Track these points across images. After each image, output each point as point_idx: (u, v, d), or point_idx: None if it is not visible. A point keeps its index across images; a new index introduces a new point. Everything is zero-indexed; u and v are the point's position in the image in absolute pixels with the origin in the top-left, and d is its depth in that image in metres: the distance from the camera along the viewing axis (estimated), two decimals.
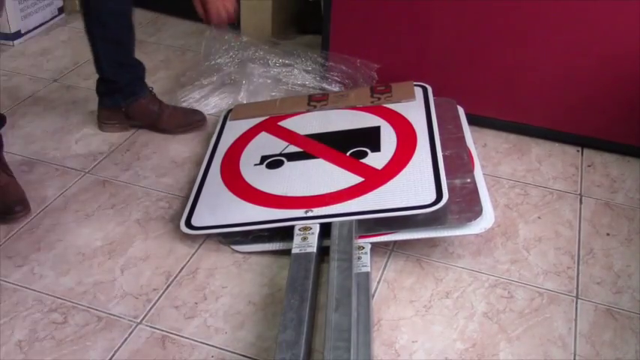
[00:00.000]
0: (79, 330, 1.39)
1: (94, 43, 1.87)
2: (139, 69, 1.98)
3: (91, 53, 1.90)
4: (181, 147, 1.97)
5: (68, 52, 2.45)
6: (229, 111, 2.05)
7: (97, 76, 1.96)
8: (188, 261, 1.57)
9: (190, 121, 2.04)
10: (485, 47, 1.97)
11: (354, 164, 1.70)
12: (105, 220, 1.68)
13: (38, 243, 1.61)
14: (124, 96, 1.96)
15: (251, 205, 1.63)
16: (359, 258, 1.50)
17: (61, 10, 2.69)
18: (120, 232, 1.65)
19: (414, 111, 1.87)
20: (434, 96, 1.94)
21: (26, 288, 1.49)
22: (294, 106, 2.00)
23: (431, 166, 1.64)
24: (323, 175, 1.68)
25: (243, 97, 2.15)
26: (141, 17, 2.75)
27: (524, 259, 1.58)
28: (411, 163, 1.67)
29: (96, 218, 1.69)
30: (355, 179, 1.65)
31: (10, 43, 2.50)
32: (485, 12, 1.92)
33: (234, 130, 1.94)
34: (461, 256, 1.58)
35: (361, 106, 1.95)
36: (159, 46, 2.54)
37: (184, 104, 2.12)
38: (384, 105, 1.92)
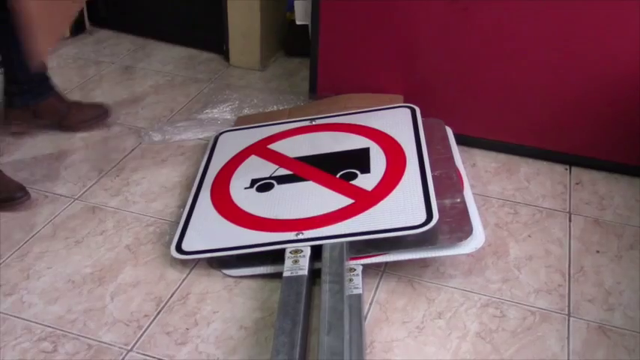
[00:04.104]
0: (69, 359, 1.37)
1: (6, 48, 1.93)
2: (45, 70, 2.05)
3: (1, 60, 1.96)
4: (171, 171, 1.96)
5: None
6: (219, 135, 2.05)
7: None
8: (179, 286, 1.55)
9: (93, 115, 2.10)
10: (472, 67, 1.98)
11: (344, 186, 1.70)
12: (94, 246, 1.67)
13: (27, 271, 1.59)
14: (33, 95, 2.02)
15: (241, 228, 1.62)
16: (350, 280, 1.50)
17: None
18: (110, 258, 1.63)
19: (402, 132, 1.88)
20: (422, 117, 1.95)
21: (15, 317, 1.47)
22: (302, 113, 2.04)
23: (420, 186, 1.64)
24: (313, 198, 1.68)
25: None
26: (129, 43, 2.76)
27: (515, 278, 1.58)
28: (400, 184, 1.67)
29: (85, 245, 1.67)
30: (345, 201, 1.64)
31: None
32: (472, 32, 1.94)
33: (224, 153, 1.94)
34: (452, 276, 1.58)
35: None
36: (147, 72, 2.55)
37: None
38: (374, 127, 1.92)
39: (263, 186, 1.76)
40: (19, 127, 2.06)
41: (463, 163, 1.90)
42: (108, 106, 2.13)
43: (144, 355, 1.38)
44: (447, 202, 1.63)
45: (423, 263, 1.61)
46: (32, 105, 2.04)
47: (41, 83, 2.03)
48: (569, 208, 1.82)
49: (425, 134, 1.86)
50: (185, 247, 1.60)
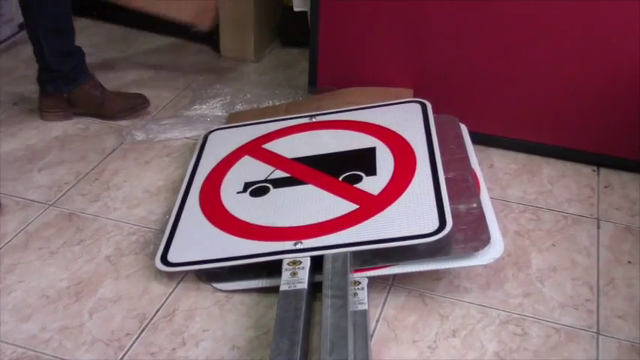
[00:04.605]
0: None
1: (36, 35, 2.03)
2: (80, 55, 2.14)
3: (32, 46, 2.06)
4: (156, 174, 1.96)
5: (30, 72, 2.45)
6: (209, 133, 2.05)
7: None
8: (164, 302, 1.55)
9: (133, 104, 2.19)
10: (490, 58, 1.98)
11: (347, 190, 1.70)
12: (71, 257, 1.67)
13: None
14: (66, 82, 2.11)
15: (234, 237, 1.62)
16: (355, 294, 1.49)
17: (21, 27, 2.69)
18: (88, 270, 1.63)
19: (412, 130, 1.88)
20: (434, 113, 1.95)
21: None
22: (301, 108, 2.05)
23: (432, 190, 1.64)
24: (313, 203, 1.68)
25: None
26: (109, 33, 2.76)
27: (538, 292, 1.58)
28: (410, 187, 1.67)
29: (61, 256, 1.67)
30: (349, 206, 1.64)
31: None
32: (491, 19, 1.94)
33: (214, 154, 1.94)
34: (468, 290, 1.58)
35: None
36: (129, 65, 2.55)
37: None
38: (380, 124, 1.93)
39: (257, 190, 1.76)
40: (53, 115, 2.17)
41: (479, 164, 1.90)
42: (145, 97, 2.23)
43: None
44: (462, 207, 1.63)
45: (436, 275, 1.60)
46: (65, 92, 2.13)
47: (74, 69, 2.11)
48: (598, 214, 1.82)
49: (437, 132, 1.86)
50: (171, 258, 1.60)
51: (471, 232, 1.57)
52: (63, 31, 2.06)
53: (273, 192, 1.75)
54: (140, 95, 2.24)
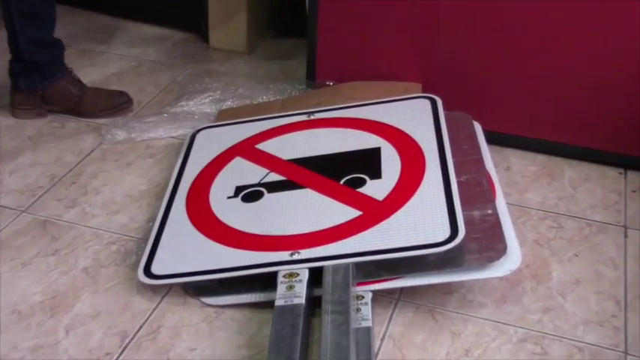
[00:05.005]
0: None
1: (10, 17, 2.00)
2: (58, 48, 2.11)
3: (5, 29, 2.03)
4: (138, 177, 1.96)
5: (2, 64, 2.45)
6: (197, 132, 2.05)
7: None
8: (148, 318, 1.55)
9: (115, 103, 2.18)
10: (506, 50, 1.99)
11: (349, 195, 1.70)
12: (45, 269, 1.67)
13: None
14: (41, 77, 2.09)
15: (224, 247, 1.62)
16: (358, 310, 1.49)
17: None
18: (64, 283, 1.63)
19: (421, 128, 1.88)
20: (445, 110, 1.95)
21: None
22: (298, 105, 2.06)
23: (443, 195, 1.64)
24: (312, 209, 1.68)
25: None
26: (88, 22, 2.77)
27: (559, 307, 1.58)
28: (418, 192, 1.67)
29: (34, 267, 1.67)
30: (351, 213, 1.64)
31: None
32: (506, 6, 1.94)
33: (203, 155, 1.94)
34: (482, 305, 1.58)
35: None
36: (110, 56, 2.55)
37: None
38: (385, 122, 1.93)
39: (250, 195, 1.76)
40: (26, 112, 2.15)
41: (495, 166, 1.90)
42: (129, 95, 2.23)
43: None
44: (476, 213, 1.63)
45: (447, 289, 1.60)
46: (40, 88, 2.11)
47: (51, 63, 2.10)
48: (625, 222, 1.82)
49: (448, 131, 1.86)
50: (155, 269, 1.60)
51: (486, 242, 1.57)
52: (41, 17, 2.04)
53: (268, 197, 1.75)
54: (123, 93, 2.23)
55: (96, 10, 2.82)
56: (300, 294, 1.47)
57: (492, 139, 2.00)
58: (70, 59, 2.28)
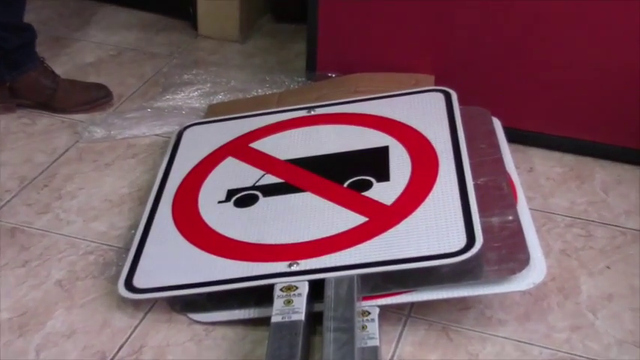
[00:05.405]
0: None
1: None
2: (29, 34, 2.10)
3: None
4: (118, 180, 1.97)
5: None
6: (184, 129, 2.05)
7: None
8: (129, 336, 1.55)
9: (92, 97, 2.18)
10: (529, 37, 1.99)
11: (354, 199, 1.70)
12: (14, 282, 1.67)
13: None
14: (9, 67, 2.07)
15: (214, 257, 1.62)
16: (364, 327, 1.49)
17: None
18: (35, 298, 1.63)
19: (433, 125, 1.88)
20: (460, 104, 1.95)
21: None
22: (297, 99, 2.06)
23: (458, 199, 1.65)
24: (312, 215, 1.68)
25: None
26: (62, 5, 2.77)
27: (589, 325, 1.58)
28: (431, 195, 1.67)
29: (2, 281, 1.67)
30: (356, 219, 1.65)
31: None
32: None
33: (191, 155, 1.94)
34: (503, 322, 1.58)
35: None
36: (87, 45, 2.56)
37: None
38: (394, 118, 1.93)
39: (244, 199, 1.77)
40: None
41: (516, 167, 1.90)
42: (108, 89, 2.22)
43: None
44: (495, 220, 1.63)
45: (463, 304, 1.61)
46: (8, 79, 2.10)
47: (19, 51, 2.08)
48: None
49: (464, 128, 1.86)
50: (138, 282, 1.60)
51: (506, 251, 1.57)
52: None
53: (263, 201, 1.75)
54: (102, 87, 2.23)
55: None
56: (299, 309, 1.47)
57: (514, 137, 2.01)
58: (42, 47, 2.28)
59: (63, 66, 2.35)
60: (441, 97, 1.99)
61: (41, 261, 1.72)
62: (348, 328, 1.42)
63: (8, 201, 1.89)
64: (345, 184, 1.75)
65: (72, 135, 2.13)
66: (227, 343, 1.54)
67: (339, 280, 1.52)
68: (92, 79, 2.34)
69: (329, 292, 1.50)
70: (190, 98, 2.26)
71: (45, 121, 2.18)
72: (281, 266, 1.57)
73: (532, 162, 2.02)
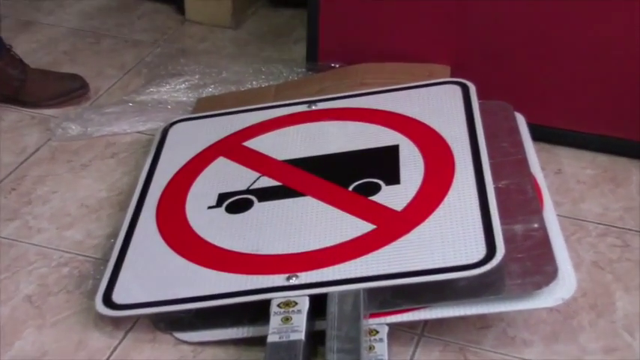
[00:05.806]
0: None
1: None
2: None
3: None
4: (96, 182, 1.97)
5: None
6: (170, 125, 2.05)
7: None
8: (108, 358, 1.55)
9: (66, 89, 2.18)
10: (555, 24, 1.99)
11: (360, 204, 1.71)
12: None
13: None
14: None
15: (204, 269, 1.62)
16: (371, 348, 1.49)
17: None
18: (1, 316, 1.63)
19: (449, 122, 1.89)
20: (479, 98, 1.95)
21: None
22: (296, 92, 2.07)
23: (477, 204, 1.65)
24: (313, 222, 1.68)
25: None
26: None
27: (626, 346, 1.58)
28: (446, 200, 1.67)
29: None
30: (362, 227, 1.65)
31: None
32: None
33: (178, 154, 1.94)
34: (527, 343, 1.58)
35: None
36: (60, 30, 2.56)
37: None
38: (405, 114, 1.93)
39: (237, 204, 1.77)
40: None
41: (542, 168, 1.91)
42: (84, 80, 2.23)
43: None
44: (519, 228, 1.64)
45: (482, 323, 1.61)
46: None
47: None
48: None
49: (484, 125, 1.86)
50: (117, 298, 1.60)
51: (531, 263, 1.57)
52: None
53: (258, 206, 1.75)
54: (77, 77, 2.23)
55: None
56: (298, 328, 1.47)
57: (539, 135, 2.01)
58: (9, 34, 2.28)
59: (34, 55, 2.35)
60: (457, 90, 1.99)
61: (9, 274, 1.72)
62: (353, 349, 1.42)
63: None
64: (350, 188, 1.75)
65: (43, 132, 2.13)
66: None
67: (343, 295, 1.52)
68: (66, 69, 2.34)
69: (332, 308, 1.50)
70: (177, 91, 2.27)
71: (13, 116, 2.18)
72: (278, 279, 1.57)
73: (560, 163, 2.03)
